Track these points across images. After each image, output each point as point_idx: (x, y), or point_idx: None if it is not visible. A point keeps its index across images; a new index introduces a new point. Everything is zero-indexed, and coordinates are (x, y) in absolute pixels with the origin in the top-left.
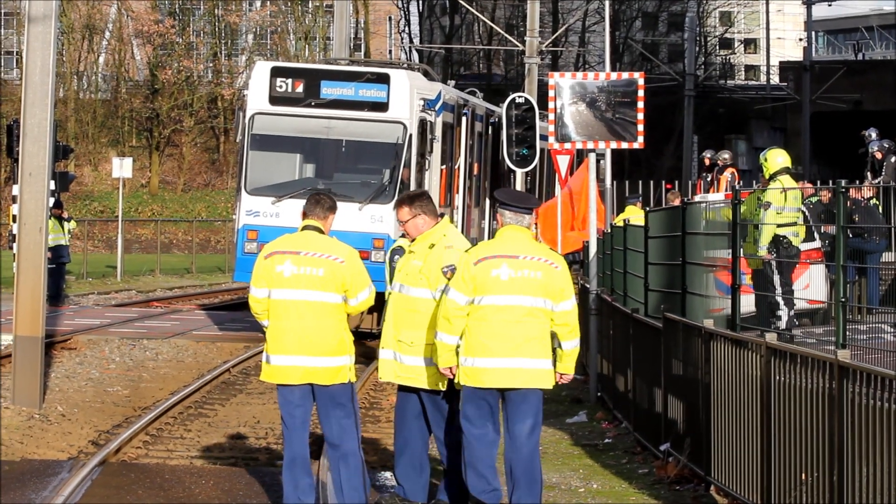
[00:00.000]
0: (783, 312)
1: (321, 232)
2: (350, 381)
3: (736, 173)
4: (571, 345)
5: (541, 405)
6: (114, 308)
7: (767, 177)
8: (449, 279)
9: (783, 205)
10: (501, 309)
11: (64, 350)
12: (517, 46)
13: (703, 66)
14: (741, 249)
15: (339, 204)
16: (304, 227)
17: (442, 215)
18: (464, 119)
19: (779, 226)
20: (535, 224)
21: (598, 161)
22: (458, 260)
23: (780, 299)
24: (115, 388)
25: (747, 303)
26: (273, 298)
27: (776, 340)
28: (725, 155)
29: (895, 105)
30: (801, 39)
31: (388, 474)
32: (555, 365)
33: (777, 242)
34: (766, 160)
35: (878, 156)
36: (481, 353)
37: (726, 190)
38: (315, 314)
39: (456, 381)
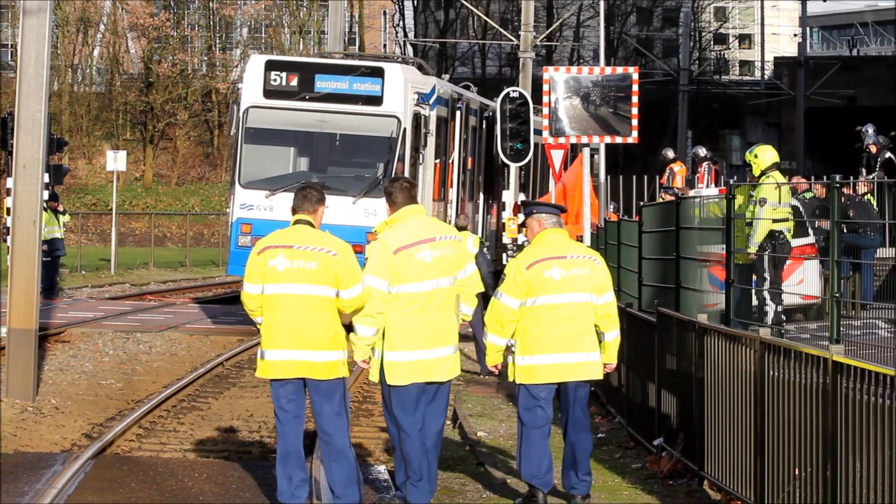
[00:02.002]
0: (770, 308)
1: (312, 226)
2: (343, 377)
3: (681, 168)
4: (613, 335)
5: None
6: (107, 301)
7: (758, 174)
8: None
9: (778, 200)
10: (555, 307)
11: (57, 343)
12: (511, 41)
13: (697, 62)
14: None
15: (332, 198)
16: (296, 222)
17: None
18: (458, 113)
19: (774, 221)
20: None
21: (592, 156)
22: (507, 266)
23: (766, 294)
24: (109, 381)
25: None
26: (267, 293)
27: (770, 336)
28: (669, 153)
29: (889, 101)
30: (795, 35)
31: (381, 468)
32: None
33: (773, 237)
34: (755, 157)
35: (873, 150)
36: (537, 350)
37: (667, 184)
38: (309, 308)
39: (510, 378)
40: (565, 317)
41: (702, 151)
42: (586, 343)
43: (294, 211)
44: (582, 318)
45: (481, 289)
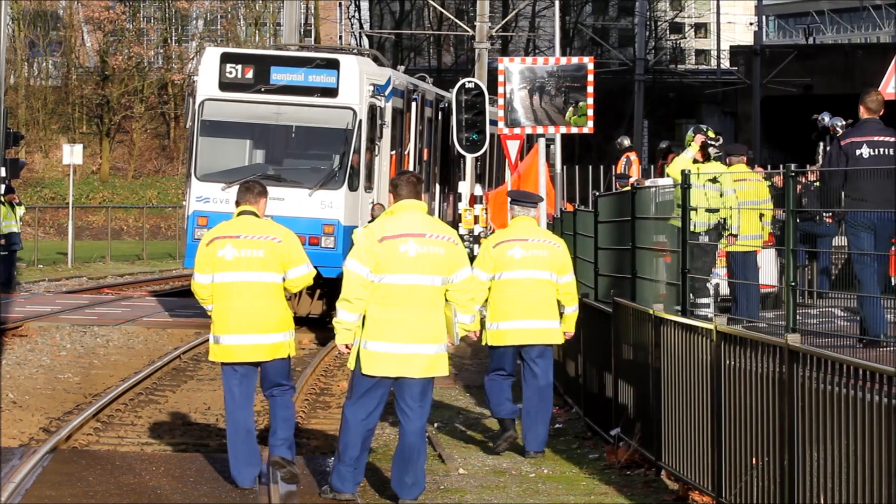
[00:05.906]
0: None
1: (256, 215)
2: (289, 356)
3: (636, 157)
4: (572, 309)
5: (552, 356)
6: (65, 295)
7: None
8: None
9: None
10: (517, 282)
11: (15, 337)
12: (467, 32)
13: (653, 51)
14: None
15: (288, 190)
16: (240, 213)
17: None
18: (413, 104)
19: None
20: (486, 209)
21: (547, 146)
22: (481, 245)
23: (710, 286)
24: (66, 374)
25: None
26: (217, 282)
27: (726, 325)
28: (625, 141)
29: (845, 89)
30: (751, 24)
31: (332, 459)
32: None
33: (721, 226)
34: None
35: (831, 129)
36: (503, 317)
37: (624, 172)
38: (258, 294)
39: (483, 341)
40: (526, 289)
41: (626, 142)
42: (545, 312)
43: (237, 203)
44: (540, 292)
45: (473, 294)
